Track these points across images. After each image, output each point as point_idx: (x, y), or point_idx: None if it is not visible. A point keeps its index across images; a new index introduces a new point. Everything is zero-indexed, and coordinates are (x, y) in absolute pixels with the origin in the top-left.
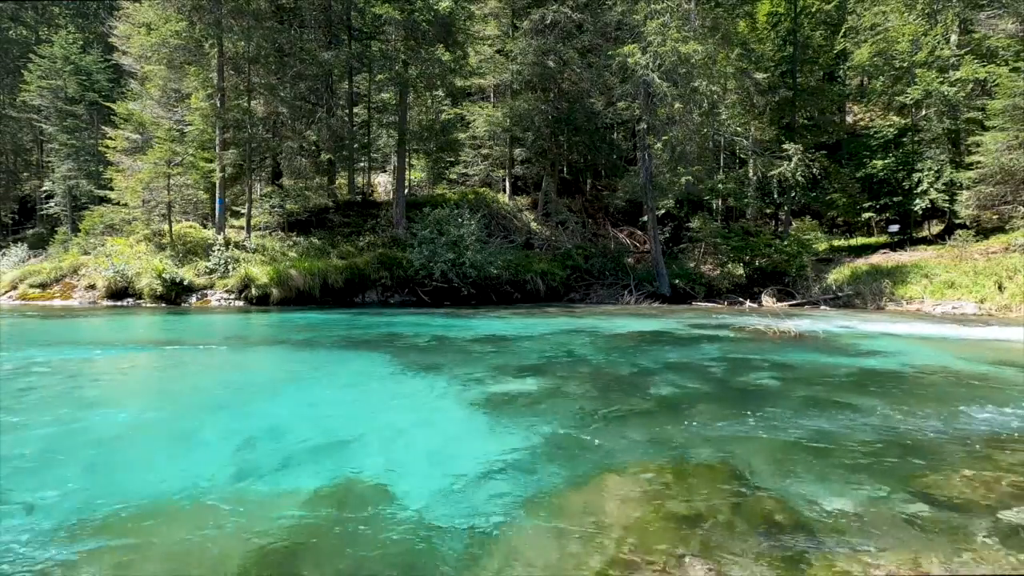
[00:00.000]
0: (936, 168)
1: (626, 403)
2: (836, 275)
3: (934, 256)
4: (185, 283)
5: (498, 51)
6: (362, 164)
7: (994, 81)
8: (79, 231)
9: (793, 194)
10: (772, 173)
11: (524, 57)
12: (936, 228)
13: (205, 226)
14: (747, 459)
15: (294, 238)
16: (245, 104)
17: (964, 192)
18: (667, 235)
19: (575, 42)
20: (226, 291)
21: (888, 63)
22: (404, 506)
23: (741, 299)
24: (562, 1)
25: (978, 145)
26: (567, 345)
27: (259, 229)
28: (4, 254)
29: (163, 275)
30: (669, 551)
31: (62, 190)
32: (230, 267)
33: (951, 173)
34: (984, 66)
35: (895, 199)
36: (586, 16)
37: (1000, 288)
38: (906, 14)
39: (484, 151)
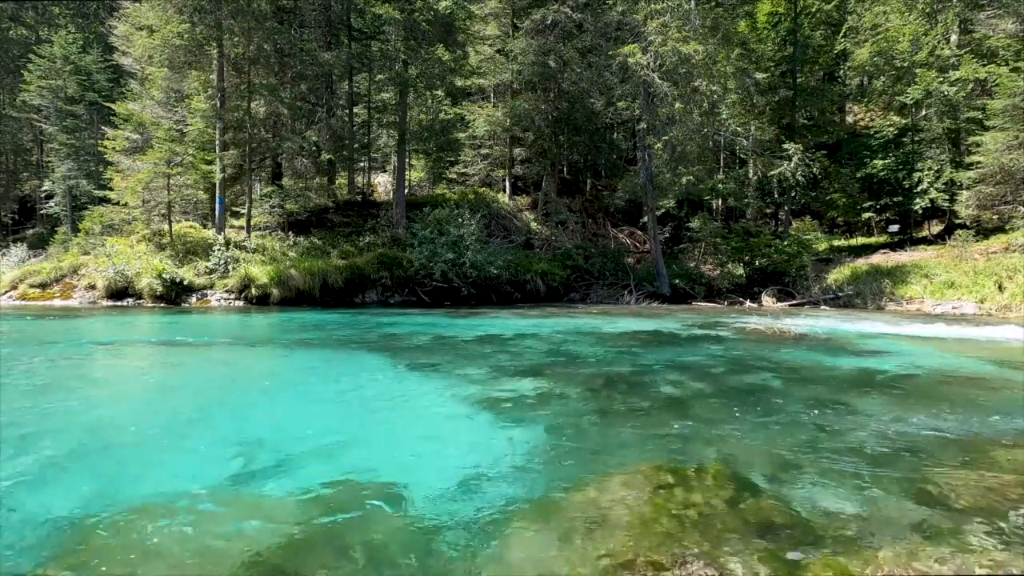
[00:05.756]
0: (936, 168)
1: (626, 403)
2: (836, 275)
3: (934, 256)
4: (185, 283)
5: (498, 51)
6: (362, 164)
7: (994, 81)
8: (79, 231)
9: (793, 194)
10: (772, 173)
11: (524, 57)
12: (936, 228)
13: (205, 226)
14: (747, 459)
15: (294, 238)
16: (245, 105)
17: (964, 192)
18: (667, 235)
19: (575, 42)
20: (226, 291)
21: (888, 63)
22: (404, 506)
23: (741, 299)
24: (562, 1)
25: (978, 145)
26: (567, 345)
27: (259, 229)
28: (4, 254)
29: (163, 275)
30: (669, 551)
31: (62, 190)
32: (230, 267)
33: (951, 173)
34: (984, 66)
35: (895, 199)
36: (586, 16)
37: (1000, 288)
38: (906, 14)
39: (484, 151)
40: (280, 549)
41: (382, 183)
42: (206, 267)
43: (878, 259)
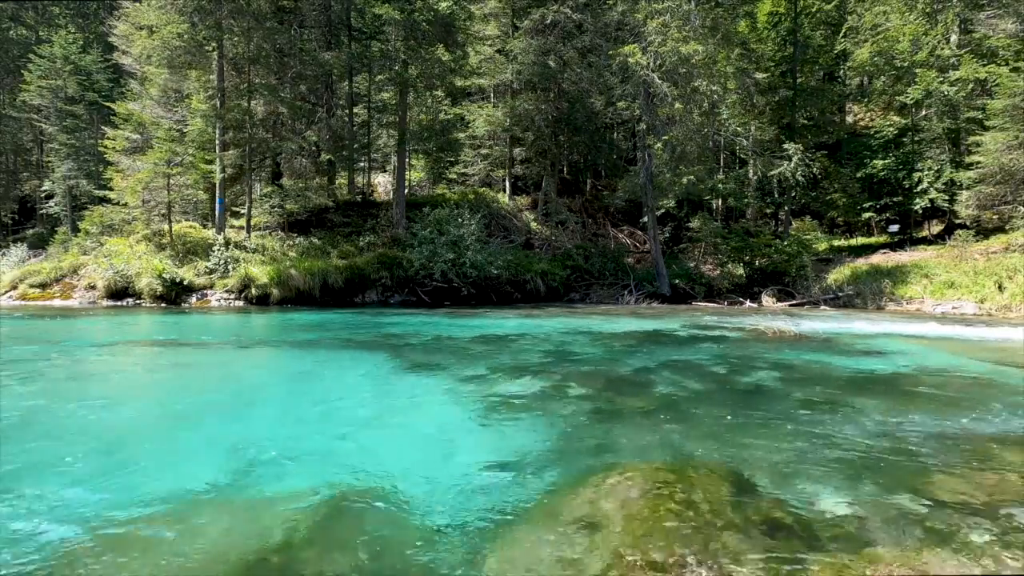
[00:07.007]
0: (936, 168)
1: (626, 403)
2: (836, 275)
3: (934, 256)
4: (185, 283)
5: (498, 51)
6: (362, 164)
7: (994, 81)
8: (79, 231)
9: (793, 194)
10: (772, 173)
11: (524, 57)
12: (936, 228)
13: (205, 226)
14: (747, 459)
15: (294, 238)
16: (245, 104)
17: (964, 192)
18: (667, 235)
19: (575, 42)
20: (226, 291)
21: (888, 63)
22: (404, 506)
23: (741, 299)
24: (562, 1)
25: (978, 145)
26: (567, 345)
27: (259, 229)
28: (4, 254)
29: (163, 275)
30: (669, 551)
31: (62, 190)
32: (230, 267)
33: (951, 173)
34: (984, 66)
35: (895, 199)
36: (586, 16)
37: (1000, 288)
38: (906, 14)
39: (484, 151)
40: (280, 549)
41: (382, 183)
42: (206, 267)
43: (878, 259)
